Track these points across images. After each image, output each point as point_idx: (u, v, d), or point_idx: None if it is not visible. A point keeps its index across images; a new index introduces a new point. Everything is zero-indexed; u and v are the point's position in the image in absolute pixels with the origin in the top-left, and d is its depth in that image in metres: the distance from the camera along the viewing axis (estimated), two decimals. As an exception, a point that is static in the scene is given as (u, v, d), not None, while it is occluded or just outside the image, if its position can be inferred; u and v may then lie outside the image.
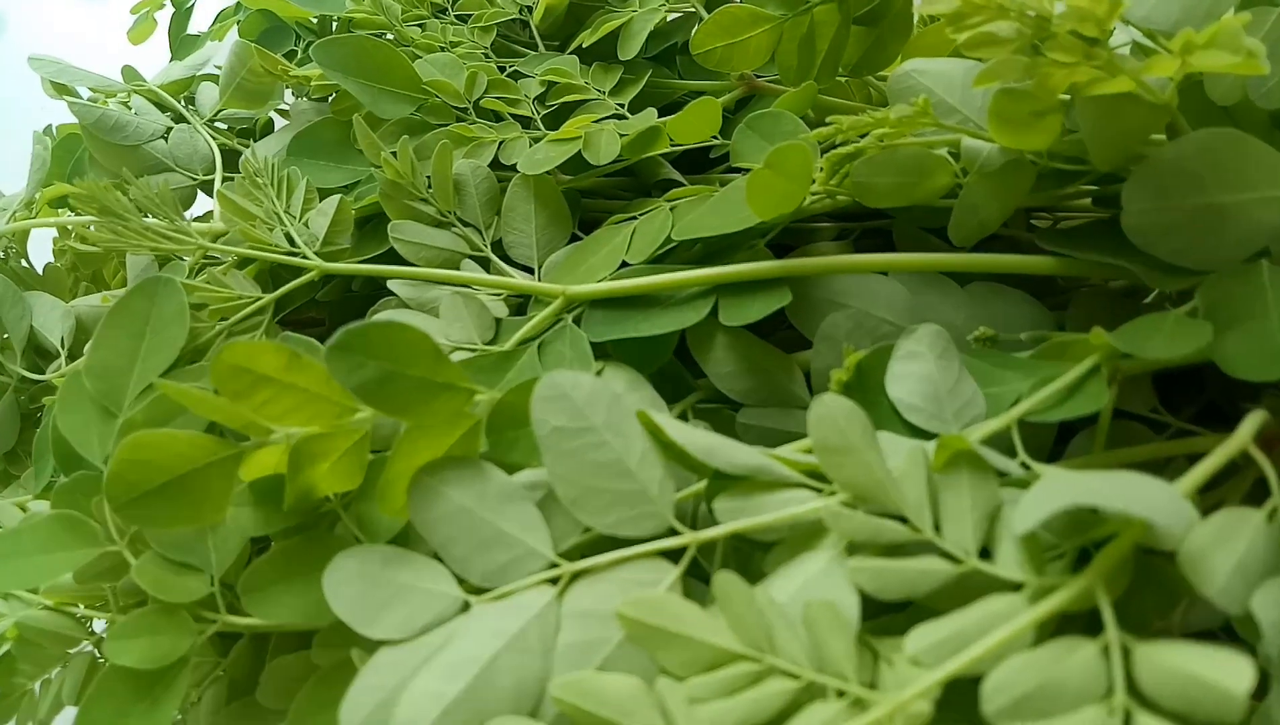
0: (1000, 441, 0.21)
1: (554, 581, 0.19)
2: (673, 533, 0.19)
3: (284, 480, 0.22)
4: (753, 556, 0.21)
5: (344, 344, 0.20)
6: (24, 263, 0.40)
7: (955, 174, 0.25)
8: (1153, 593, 0.20)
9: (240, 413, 0.21)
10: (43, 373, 0.36)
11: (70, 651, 0.25)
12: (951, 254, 0.26)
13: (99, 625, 0.27)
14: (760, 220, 0.25)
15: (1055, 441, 0.24)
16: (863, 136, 0.26)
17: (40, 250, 0.43)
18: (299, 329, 0.34)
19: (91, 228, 0.26)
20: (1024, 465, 0.20)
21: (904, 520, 0.19)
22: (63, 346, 0.35)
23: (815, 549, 0.19)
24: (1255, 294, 0.22)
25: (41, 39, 0.95)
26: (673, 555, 0.19)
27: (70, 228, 0.35)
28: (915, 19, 0.31)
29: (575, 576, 0.19)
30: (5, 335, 0.37)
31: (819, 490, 0.20)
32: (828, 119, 0.25)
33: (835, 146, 0.26)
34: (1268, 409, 0.20)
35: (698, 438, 0.20)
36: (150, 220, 0.28)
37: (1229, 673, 0.14)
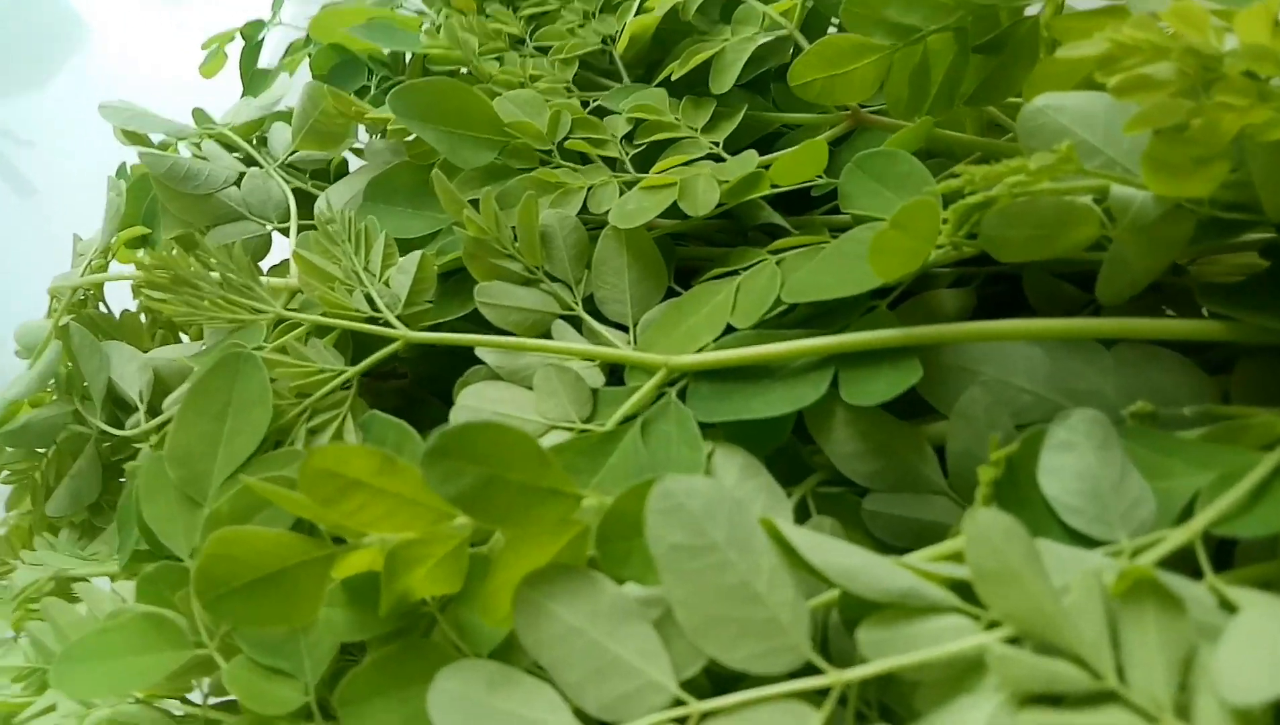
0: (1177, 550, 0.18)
1: (681, 721, 0.17)
2: (811, 668, 0.17)
3: (377, 580, 0.21)
4: (890, 681, 0.18)
5: (441, 449, 0.18)
6: (101, 308, 0.40)
7: (1101, 224, 0.23)
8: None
9: (329, 517, 0.19)
10: (122, 426, 0.35)
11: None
12: (1102, 318, 0.23)
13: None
14: (884, 281, 0.23)
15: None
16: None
17: (115, 291, 0.42)
18: (379, 382, 0.33)
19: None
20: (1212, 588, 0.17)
21: (1078, 663, 0.16)
22: (141, 400, 0.34)
23: (975, 691, 0.17)
24: None
25: (126, 46, 0.95)
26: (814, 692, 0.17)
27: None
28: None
29: (704, 716, 0.17)
30: (85, 385, 0.37)
31: (976, 616, 0.17)
32: (956, 169, 0.23)
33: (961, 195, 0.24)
34: None
35: (834, 556, 0.18)
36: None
37: None
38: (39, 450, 0.39)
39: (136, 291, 0.42)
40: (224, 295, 0.25)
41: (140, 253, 0.41)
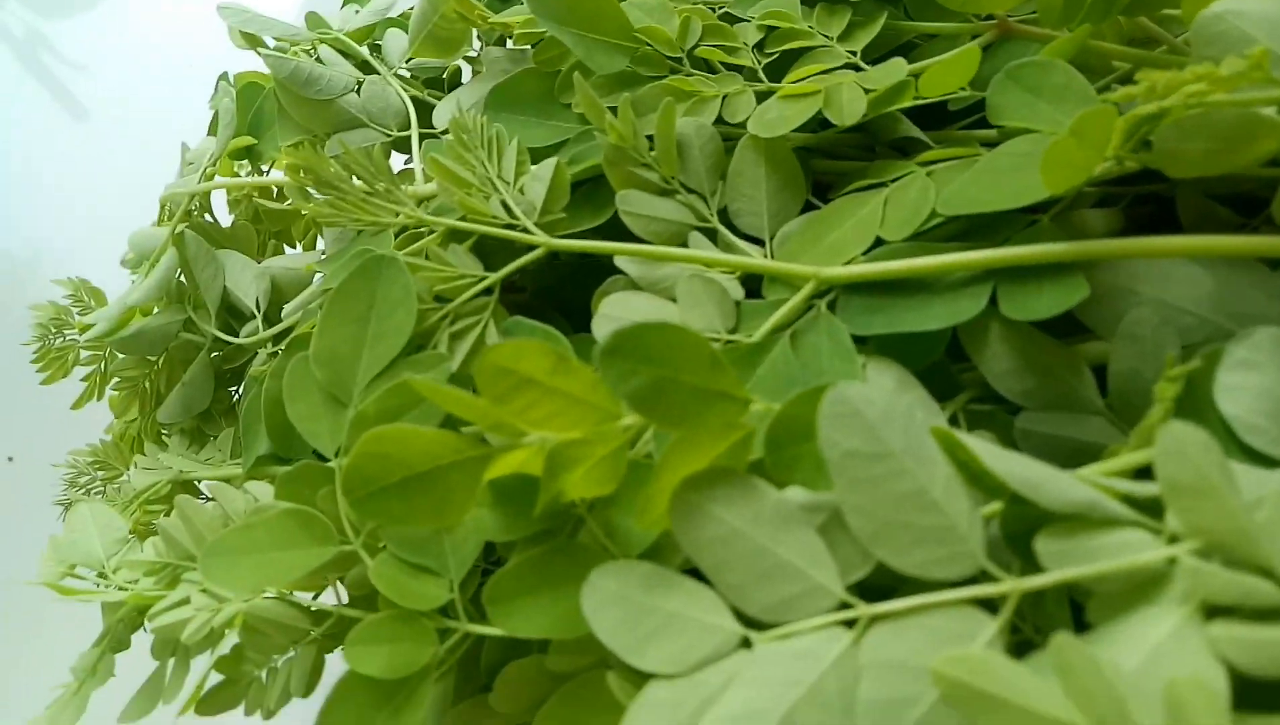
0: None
1: (848, 624, 0.17)
2: (986, 576, 0.17)
3: (526, 481, 0.21)
4: (1045, 594, 0.18)
5: (616, 348, 0.18)
6: (209, 218, 0.40)
7: (1285, 138, 0.22)
8: None
9: (498, 415, 0.19)
10: (236, 334, 0.36)
11: (295, 642, 0.25)
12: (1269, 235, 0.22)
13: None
14: (1051, 194, 0.22)
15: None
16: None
17: (218, 202, 0.42)
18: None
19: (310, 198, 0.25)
20: None
21: (1272, 578, 0.16)
22: (258, 309, 0.35)
23: (1154, 604, 0.16)
24: None
25: None
26: (984, 601, 0.17)
27: (276, 189, 0.34)
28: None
29: (873, 620, 0.17)
30: (198, 292, 0.37)
31: (1156, 531, 0.17)
32: (1137, 76, 0.22)
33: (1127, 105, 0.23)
34: None
35: (1015, 466, 0.17)
36: (359, 184, 0.27)
37: None
38: (149, 358, 0.40)
39: (234, 207, 0.42)
40: (368, 197, 0.25)
41: (239, 166, 0.42)
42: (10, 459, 0.54)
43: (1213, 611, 0.16)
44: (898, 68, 0.27)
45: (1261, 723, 0.15)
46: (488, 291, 0.26)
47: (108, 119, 0.86)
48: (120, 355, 0.38)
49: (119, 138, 0.84)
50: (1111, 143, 0.23)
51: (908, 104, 0.27)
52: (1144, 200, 0.27)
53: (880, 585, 0.18)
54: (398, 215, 0.26)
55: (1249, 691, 0.15)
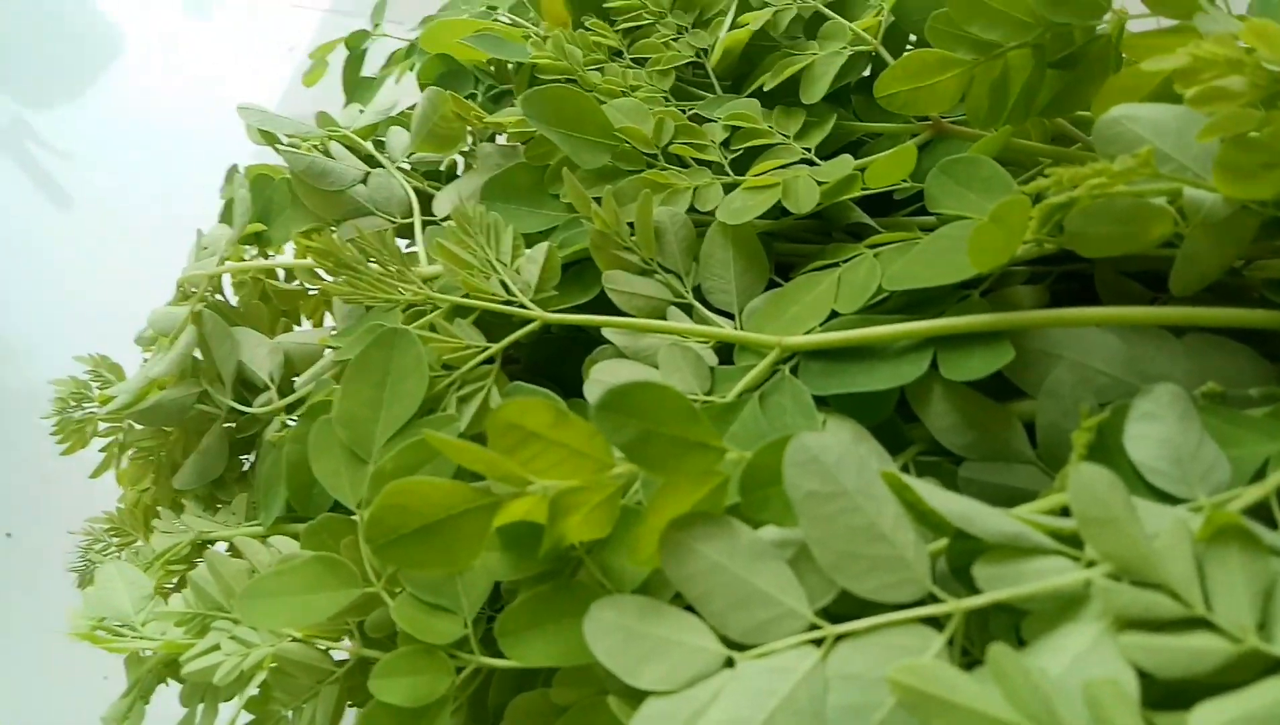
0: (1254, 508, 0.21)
1: (817, 643, 0.20)
2: (932, 598, 0.20)
3: (530, 527, 0.24)
4: (989, 619, 0.21)
5: (609, 404, 0.21)
6: (220, 298, 0.43)
7: (1175, 223, 0.25)
8: None
9: (506, 466, 0.22)
10: (249, 405, 0.38)
11: (319, 683, 0.27)
12: (1176, 307, 0.26)
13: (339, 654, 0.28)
14: (978, 271, 0.26)
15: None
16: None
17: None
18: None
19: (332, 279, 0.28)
20: (1283, 534, 0.20)
21: (1170, 594, 0.19)
22: (272, 381, 0.37)
23: (1076, 621, 0.19)
24: None
25: (160, 56, 0.97)
26: (932, 620, 0.20)
27: (292, 272, 0.37)
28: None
29: (838, 638, 0.20)
30: (214, 367, 0.40)
31: (1075, 558, 0.20)
32: (1046, 170, 0.25)
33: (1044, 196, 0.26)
34: None
35: (952, 503, 0.20)
36: (374, 266, 0.30)
37: None
38: (165, 429, 0.42)
39: (239, 288, 0.45)
40: (382, 277, 0.28)
41: (249, 252, 0.45)
42: (9, 535, 0.56)
43: (1124, 624, 0.19)
44: (845, 163, 0.30)
45: (1166, 717, 0.18)
46: (489, 360, 0.29)
47: (92, 208, 0.88)
48: (137, 427, 0.40)
49: (103, 226, 0.85)
50: (1029, 227, 0.26)
51: (857, 194, 0.31)
52: (1068, 277, 0.31)
53: (848, 612, 0.21)
54: (408, 293, 0.29)
55: (1155, 691, 0.18)
